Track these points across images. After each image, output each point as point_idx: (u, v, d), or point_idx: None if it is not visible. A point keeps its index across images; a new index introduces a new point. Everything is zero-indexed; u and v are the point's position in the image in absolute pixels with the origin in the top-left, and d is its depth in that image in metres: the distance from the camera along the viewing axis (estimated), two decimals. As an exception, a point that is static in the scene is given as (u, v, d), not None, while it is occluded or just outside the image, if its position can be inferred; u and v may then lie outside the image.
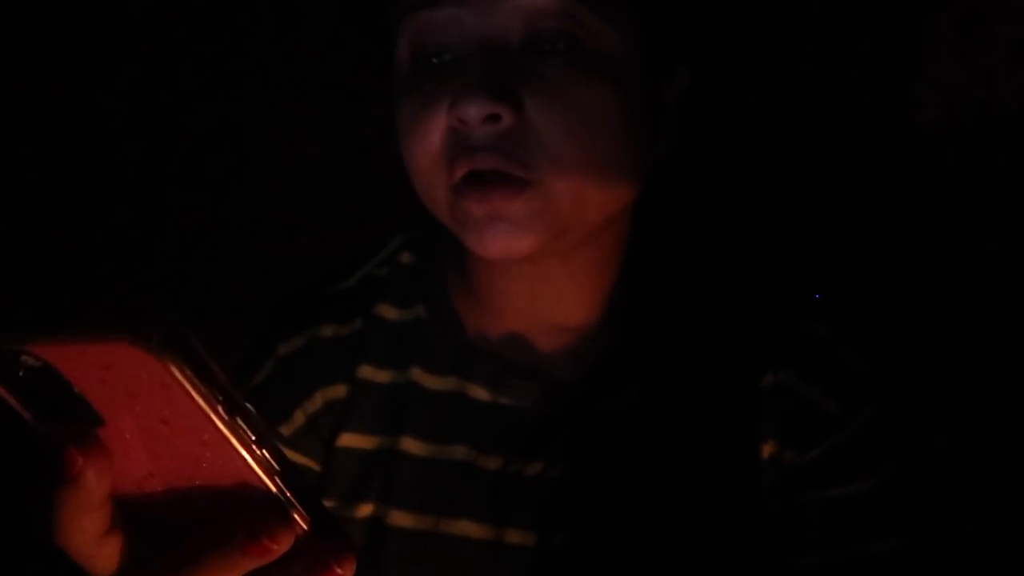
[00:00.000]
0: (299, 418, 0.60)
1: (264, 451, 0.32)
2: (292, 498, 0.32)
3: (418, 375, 0.59)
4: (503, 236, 0.50)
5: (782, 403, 0.57)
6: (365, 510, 0.58)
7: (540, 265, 0.55)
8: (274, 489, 0.32)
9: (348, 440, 0.59)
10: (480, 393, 0.58)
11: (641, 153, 0.53)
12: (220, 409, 0.30)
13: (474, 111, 0.47)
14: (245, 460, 0.31)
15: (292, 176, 0.95)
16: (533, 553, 0.56)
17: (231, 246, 0.96)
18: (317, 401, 0.60)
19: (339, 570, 0.33)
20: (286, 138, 0.94)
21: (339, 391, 0.60)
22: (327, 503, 0.57)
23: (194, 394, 0.30)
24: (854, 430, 0.58)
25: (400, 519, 0.58)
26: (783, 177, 0.87)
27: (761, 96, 0.87)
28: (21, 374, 0.31)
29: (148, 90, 0.95)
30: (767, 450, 0.57)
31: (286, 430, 0.60)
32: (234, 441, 0.31)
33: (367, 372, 0.60)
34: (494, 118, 0.48)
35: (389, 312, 0.61)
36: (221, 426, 0.30)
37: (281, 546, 0.32)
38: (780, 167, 0.87)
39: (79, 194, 0.97)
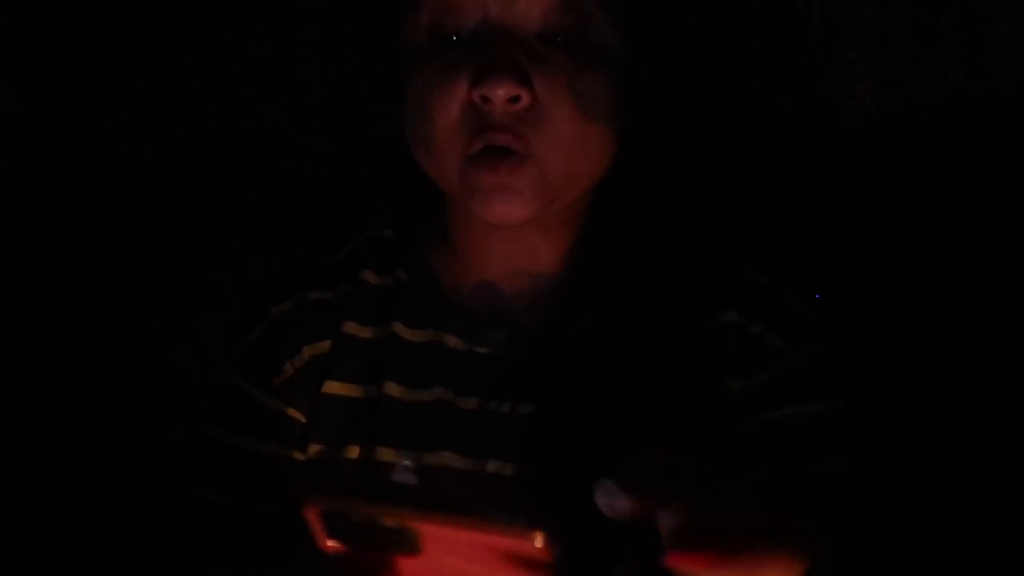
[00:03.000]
0: (288, 370, 0.65)
1: None
2: None
3: (398, 329, 0.65)
4: (508, 204, 0.57)
5: (728, 340, 0.63)
6: (352, 451, 0.64)
7: (520, 227, 0.61)
8: None
9: (333, 388, 0.65)
10: (455, 343, 0.64)
11: (617, 134, 0.60)
12: None
13: (502, 92, 0.54)
14: None
15: (292, 176, 0.95)
16: (512, 481, 0.61)
17: (230, 246, 0.97)
18: (304, 355, 0.65)
19: None
20: (286, 138, 0.94)
21: (324, 346, 0.65)
22: (314, 447, 0.64)
23: None
24: (798, 360, 0.63)
25: (386, 455, 0.63)
26: (781, 178, 0.87)
27: (758, 95, 0.87)
28: (364, 524, 0.34)
29: (147, 88, 0.96)
30: (717, 383, 0.62)
31: (276, 381, 0.65)
32: None
33: (351, 328, 0.66)
34: (515, 99, 0.55)
35: (372, 277, 0.67)
36: None
37: None
38: (778, 168, 0.87)
39: (77, 193, 0.97)
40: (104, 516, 0.96)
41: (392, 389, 0.64)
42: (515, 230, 0.62)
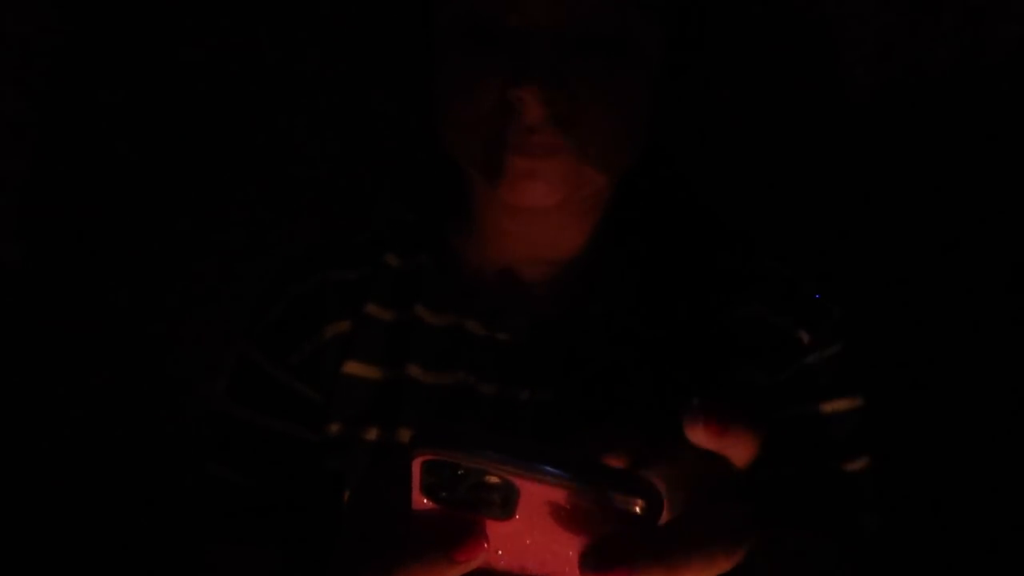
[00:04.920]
0: (307, 349, 0.65)
1: None
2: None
3: (420, 312, 0.65)
4: (537, 189, 0.57)
5: (754, 331, 0.63)
6: (372, 433, 0.63)
7: (543, 211, 0.60)
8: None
9: (354, 368, 0.64)
10: (476, 328, 0.64)
11: (647, 130, 0.61)
12: None
13: (540, 95, 0.53)
14: None
15: (292, 176, 0.95)
16: None
17: (230, 246, 0.97)
18: (325, 334, 0.65)
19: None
20: (286, 138, 0.94)
21: (344, 326, 0.65)
22: (333, 427, 0.64)
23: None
24: (824, 356, 0.63)
25: (406, 437, 0.62)
26: (780, 178, 0.87)
27: (758, 95, 0.87)
28: (466, 480, 0.33)
29: (148, 88, 0.96)
30: (740, 373, 0.62)
31: (295, 359, 0.65)
32: None
33: (372, 310, 0.65)
34: (551, 102, 0.54)
35: (394, 260, 0.67)
36: None
37: None
38: (777, 168, 0.87)
39: (76, 193, 0.97)
40: (101, 512, 0.96)
41: (414, 371, 0.64)
42: (538, 214, 0.61)
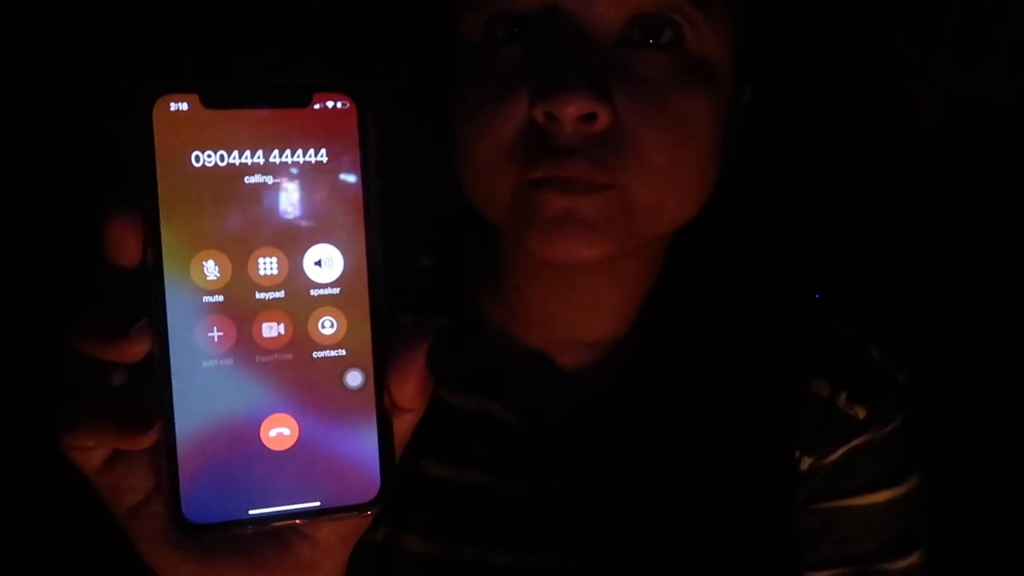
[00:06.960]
0: None
1: None
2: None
3: (439, 391, 0.53)
4: (575, 238, 0.44)
5: (812, 412, 0.55)
6: (379, 533, 0.53)
7: (582, 273, 0.51)
8: None
9: None
10: (502, 414, 0.54)
11: (716, 166, 0.49)
12: None
13: (573, 109, 0.42)
14: None
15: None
16: None
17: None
18: None
19: None
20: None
21: None
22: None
23: None
24: (880, 435, 0.55)
25: (412, 544, 0.53)
26: (780, 178, 0.87)
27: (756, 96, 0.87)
28: None
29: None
30: (796, 458, 0.55)
31: None
32: None
33: None
34: (590, 117, 0.42)
35: (404, 319, 0.57)
36: None
37: None
38: (777, 168, 0.87)
39: (74, 194, 0.97)
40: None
41: (427, 465, 0.54)
42: (578, 279, 0.51)
